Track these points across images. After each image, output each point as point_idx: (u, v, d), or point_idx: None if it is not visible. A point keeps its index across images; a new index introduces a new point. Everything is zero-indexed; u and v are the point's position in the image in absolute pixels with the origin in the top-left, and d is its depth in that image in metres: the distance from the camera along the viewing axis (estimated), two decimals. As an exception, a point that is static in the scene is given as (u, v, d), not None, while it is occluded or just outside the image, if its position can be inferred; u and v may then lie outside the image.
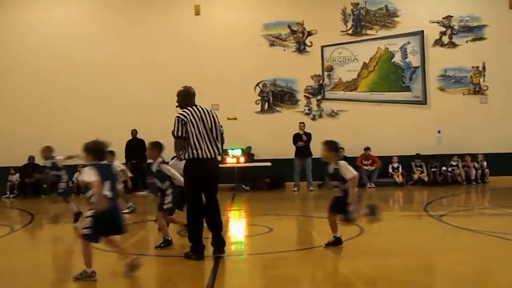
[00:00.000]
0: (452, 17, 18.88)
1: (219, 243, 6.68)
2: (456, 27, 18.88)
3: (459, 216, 10.26)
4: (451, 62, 18.67)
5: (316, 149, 16.46)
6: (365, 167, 17.11)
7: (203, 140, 6.55)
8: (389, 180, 17.27)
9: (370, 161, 17.25)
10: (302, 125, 16.80)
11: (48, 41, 18.26)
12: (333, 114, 18.33)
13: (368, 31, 18.72)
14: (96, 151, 5.62)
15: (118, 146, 15.95)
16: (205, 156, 6.53)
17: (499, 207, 11.74)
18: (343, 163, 6.82)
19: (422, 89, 18.55)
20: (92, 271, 5.51)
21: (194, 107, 6.68)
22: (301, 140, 16.42)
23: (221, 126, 6.88)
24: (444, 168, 17.36)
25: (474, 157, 17.67)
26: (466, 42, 18.84)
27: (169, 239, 7.28)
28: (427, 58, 18.64)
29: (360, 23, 18.70)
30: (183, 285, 5.58)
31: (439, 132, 17.86)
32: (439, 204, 12.48)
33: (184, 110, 6.63)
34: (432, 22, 18.81)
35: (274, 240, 8.09)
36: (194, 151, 6.51)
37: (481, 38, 18.88)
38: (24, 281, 5.74)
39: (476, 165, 17.66)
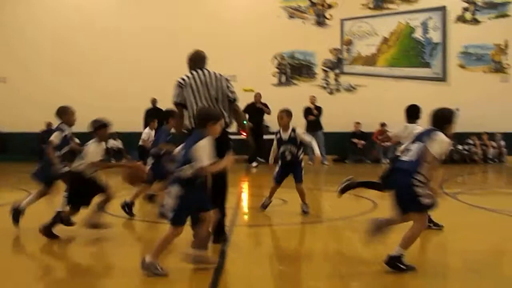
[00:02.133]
0: (475, -7, 18.53)
1: (220, 229, 5.73)
2: (479, 3, 18.52)
3: (475, 195, 10.22)
4: (472, 39, 18.36)
5: (328, 123, 16.52)
6: (381, 143, 17.02)
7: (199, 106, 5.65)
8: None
9: (386, 137, 17.14)
10: (313, 98, 16.69)
11: (71, 10, 18.40)
12: (350, 89, 18.21)
13: (389, 5, 18.44)
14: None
15: (138, 114, 16.18)
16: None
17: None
18: (299, 129, 7.72)
19: (442, 65, 18.31)
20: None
21: (199, 70, 5.83)
22: (312, 114, 16.35)
23: (232, 94, 5.88)
24: (460, 146, 17.23)
25: (492, 136, 17.50)
26: (489, 19, 18.49)
27: None
28: (448, 35, 18.35)
29: (381, -4, 18.45)
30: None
31: (457, 110, 17.65)
32: (455, 182, 12.44)
33: (187, 73, 5.85)
34: (455, -2, 18.49)
35: (287, 213, 8.13)
36: (192, 121, 5.68)
37: (505, 15, 18.52)
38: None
39: (494, 144, 17.50)
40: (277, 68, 18.29)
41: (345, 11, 18.30)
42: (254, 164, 15.26)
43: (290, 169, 7.72)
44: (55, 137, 6.64)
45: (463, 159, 17.00)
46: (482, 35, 18.37)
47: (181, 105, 5.80)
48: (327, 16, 18.37)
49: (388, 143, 16.98)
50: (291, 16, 18.39)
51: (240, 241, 6.19)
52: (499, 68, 18.40)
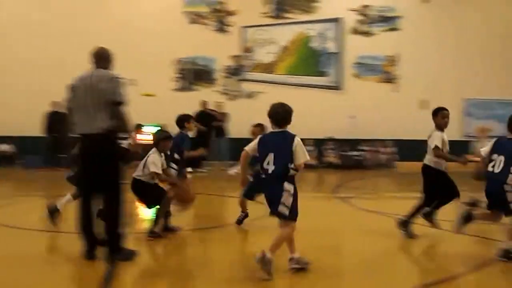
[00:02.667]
0: (369, 6, 19.40)
1: (110, 246, 5.41)
2: (372, 16, 19.44)
3: (366, 199, 10.68)
4: (366, 50, 19.26)
5: (232, 129, 16.66)
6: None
7: (79, 111, 5.38)
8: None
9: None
10: (219, 104, 16.82)
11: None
12: (250, 95, 18.46)
13: (289, 15, 18.91)
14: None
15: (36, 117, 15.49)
16: (80, 132, 5.43)
17: (404, 191, 12.32)
18: None
19: (337, 75, 19.03)
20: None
21: (89, 70, 5.51)
22: (217, 120, 16.45)
23: (117, 97, 5.33)
24: (355, 152, 17.99)
25: (383, 142, 18.41)
26: (382, 31, 19.47)
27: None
28: (344, 45, 19.11)
29: (281, 6, 18.84)
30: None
31: (352, 117, 18.37)
32: (348, 187, 12.94)
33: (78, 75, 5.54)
34: (350, 10, 19.26)
35: (185, 218, 8.10)
36: (73, 127, 5.48)
37: (395, 29, 19.56)
38: None
39: (385, 150, 18.41)
40: (178, 73, 18.19)
41: (246, 19, 18.56)
42: (189, 169, 15.28)
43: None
44: None
45: (356, 164, 17.72)
46: (375, 47, 19.30)
47: (70, 109, 5.61)
48: (228, 23, 18.53)
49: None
50: (193, 22, 18.37)
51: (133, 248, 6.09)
52: (390, 79, 19.40)
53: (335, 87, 18.98)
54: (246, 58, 18.57)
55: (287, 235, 5.06)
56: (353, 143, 18.19)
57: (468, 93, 19.84)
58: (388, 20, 19.51)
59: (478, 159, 9.29)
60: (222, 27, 18.47)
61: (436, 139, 6.65)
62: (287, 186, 4.99)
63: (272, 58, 18.75)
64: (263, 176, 5.13)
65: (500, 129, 20.20)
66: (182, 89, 18.18)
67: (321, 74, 18.96)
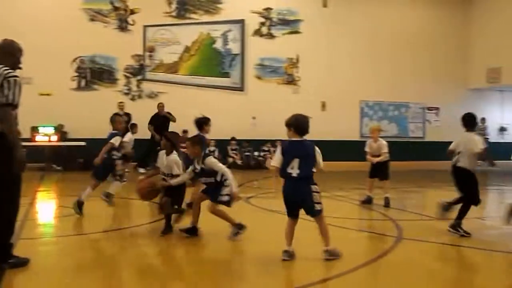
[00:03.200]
0: (271, 9, 19.77)
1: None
2: (274, 19, 19.82)
3: (267, 198, 10.84)
4: (268, 52, 19.61)
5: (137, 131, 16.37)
6: (183, 150, 17.27)
7: None
8: (205, 163, 17.68)
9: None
10: (121, 104, 16.49)
11: None
12: (152, 96, 18.21)
13: (192, 15, 18.85)
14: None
15: None
16: None
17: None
18: (209, 159, 6.70)
19: (240, 76, 19.23)
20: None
21: None
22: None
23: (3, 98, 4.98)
24: (256, 152, 18.26)
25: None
26: (283, 34, 19.89)
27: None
28: (246, 47, 19.34)
29: (184, 6, 18.75)
30: None
31: (254, 118, 18.64)
32: (250, 187, 13.10)
33: None
34: (253, 12, 19.52)
35: (83, 222, 7.88)
36: None
37: (297, 32, 20.06)
38: None
39: (285, 151, 18.82)
40: (77, 72, 17.59)
41: (148, 18, 18.28)
42: (142, 170, 15.52)
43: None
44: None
45: (259, 165, 17.99)
46: (276, 49, 19.70)
47: None
48: (130, 21, 18.17)
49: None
50: (92, 19, 17.82)
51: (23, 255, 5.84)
52: (291, 80, 19.87)
53: (238, 88, 19.17)
54: (148, 58, 18.29)
55: (325, 226, 5.83)
56: (256, 144, 18.46)
57: (364, 95, 20.76)
58: (289, 23, 19.97)
59: (377, 158, 9.80)
60: (123, 26, 18.08)
61: (480, 142, 7.23)
62: (314, 187, 5.69)
63: (175, 58, 18.59)
64: (288, 179, 5.65)
65: (392, 129, 21.34)
66: (82, 88, 17.58)
67: (224, 75, 19.08)
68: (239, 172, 16.09)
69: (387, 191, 9.85)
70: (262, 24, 19.67)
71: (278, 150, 5.83)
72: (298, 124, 5.84)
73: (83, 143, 16.31)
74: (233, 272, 5.50)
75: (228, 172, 6.68)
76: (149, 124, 16.55)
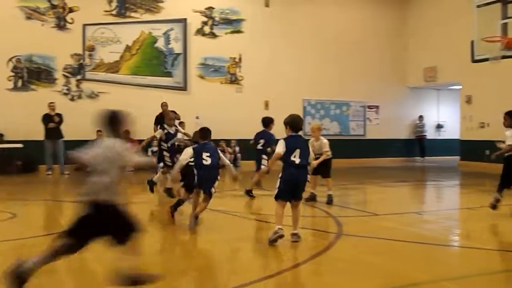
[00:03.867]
0: (214, 8, 19.73)
1: None
2: (217, 19, 19.78)
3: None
4: (211, 51, 19.57)
5: (69, 131, 16.05)
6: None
7: None
8: (148, 163, 17.46)
9: (130, 144, 17.21)
10: (52, 105, 16.06)
11: None
12: (93, 96, 17.83)
13: (133, 14, 18.57)
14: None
15: None
16: None
17: (244, 189, 12.71)
18: None
19: (183, 75, 19.10)
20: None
21: None
22: (52, 121, 15.75)
23: None
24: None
25: (228, 142, 18.84)
26: (226, 33, 19.89)
27: None
28: (189, 46, 19.23)
29: (124, 4, 18.44)
30: None
31: (197, 117, 18.54)
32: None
33: None
34: (195, 11, 19.43)
35: (15, 227, 7.63)
36: None
37: (239, 31, 20.10)
38: None
39: (230, 149, 18.86)
40: (13, 71, 17.01)
41: (88, 16, 17.88)
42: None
43: None
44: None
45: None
46: (219, 48, 19.67)
47: None
48: (69, 20, 17.72)
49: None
50: (29, 17, 17.27)
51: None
52: (234, 80, 19.89)
53: (181, 88, 19.03)
54: (88, 57, 17.90)
55: (299, 213, 6.72)
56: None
57: (307, 94, 21.03)
58: (232, 23, 19.99)
59: (317, 161, 9.92)
60: (61, 24, 17.61)
61: None
62: (309, 176, 6.70)
63: (116, 57, 18.27)
64: (291, 166, 6.46)
65: (333, 127, 21.70)
66: (18, 89, 17.00)
67: (167, 74, 18.90)
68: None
69: (330, 188, 10.00)
70: (205, 23, 19.61)
71: (282, 142, 6.56)
72: (295, 123, 6.76)
73: (20, 145, 15.80)
74: (172, 272, 5.46)
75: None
76: (154, 124, 15.97)
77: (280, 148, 6.53)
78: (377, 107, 22.60)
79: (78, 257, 5.72)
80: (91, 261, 5.52)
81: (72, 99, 17.53)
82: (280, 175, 6.54)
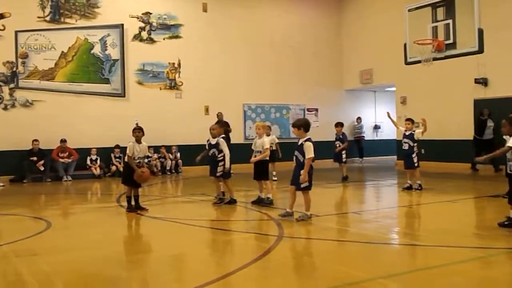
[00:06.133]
0: (151, 13, 19.57)
1: None
2: (154, 24, 19.62)
3: (151, 205, 10.69)
4: (149, 57, 19.39)
5: (2, 142, 15.58)
6: (62, 160, 16.67)
7: None
8: (87, 172, 17.14)
9: (67, 153, 16.85)
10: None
11: None
12: (27, 104, 17.30)
13: (67, 20, 18.17)
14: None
15: None
16: None
17: (188, 195, 12.65)
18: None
19: (121, 82, 18.84)
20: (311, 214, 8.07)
21: None
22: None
23: None
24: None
25: (169, 148, 18.69)
26: (164, 39, 19.76)
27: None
28: (126, 52, 18.99)
29: (58, 10, 18.03)
30: None
31: (137, 124, 18.25)
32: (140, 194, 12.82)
33: None
34: (132, 17, 19.22)
35: None
36: None
37: (177, 37, 20.00)
38: None
39: (171, 156, 18.71)
40: None
41: (20, 23, 17.35)
42: None
43: None
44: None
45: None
46: (157, 54, 19.53)
47: None
48: (0, 26, 17.16)
49: (68, 160, 16.72)
50: (-43, 24, 16.65)
51: None
52: (173, 85, 19.77)
53: (119, 95, 18.75)
54: (21, 65, 17.37)
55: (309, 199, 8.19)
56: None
57: (247, 98, 21.16)
58: (170, 28, 19.88)
59: (255, 158, 9.99)
60: (-8, 31, 17.04)
61: None
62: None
63: (51, 64, 17.81)
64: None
65: (274, 130, 21.95)
66: None
67: (104, 81, 18.58)
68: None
69: (269, 191, 10.13)
70: (142, 28, 19.42)
71: (312, 145, 7.97)
72: (307, 124, 8.20)
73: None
74: (117, 280, 5.37)
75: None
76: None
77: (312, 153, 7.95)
78: (316, 109, 22.96)
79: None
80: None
81: (5, 108, 16.95)
82: (308, 172, 7.85)
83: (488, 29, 15.68)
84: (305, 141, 8.07)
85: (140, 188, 9.92)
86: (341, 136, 14.37)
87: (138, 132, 9.72)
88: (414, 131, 12.16)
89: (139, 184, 9.77)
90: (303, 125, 8.13)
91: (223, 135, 10.77)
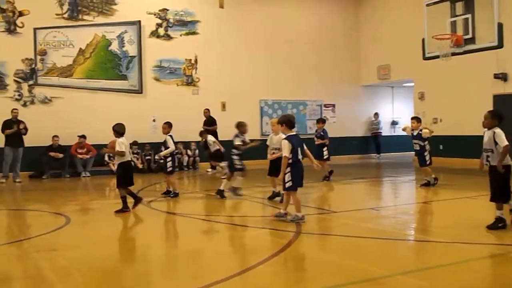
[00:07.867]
0: (168, 10, 19.60)
1: None
2: (171, 20, 19.67)
3: (167, 201, 10.76)
4: (166, 53, 19.43)
5: (29, 138, 15.71)
6: (80, 156, 16.81)
7: None
8: (105, 168, 17.24)
9: (85, 149, 16.98)
10: (15, 111, 15.76)
11: None
12: (46, 101, 17.45)
13: (85, 17, 18.27)
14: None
15: None
16: None
17: (203, 191, 12.71)
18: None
19: (138, 78, 18.91)
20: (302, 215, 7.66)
21: None
22: (14, 128, 15.43)
23: None
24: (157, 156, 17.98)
25: (187, 144, 18.72)
26: (180, 35, 19.79)
27: None
28: (143, 48, 19.05)
29: (76, 7, 18.13)
30: None
31: (154, 120, 18.39)
32: (151, 190, 12.94)
33: None
34: (149, 14, 19.26)
35: None
36: None
37: (194, 33, 20.03)
38: None
39: (189, 152, 18.76)
40: (-39, 78, 16.53)
41: (38, 20, 17.48)
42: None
43: None
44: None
45: (160, 167, 17.72)
46: (174, 50, 19.56)
47: None
48: (19, 24, 17.31)
49: (87, 156, 16.85)
50: (-24, 21, 16.84)
51: None
52: (190, 82, 19.81)
53: (136, 91, 18.84)
54: (40, 62, 17.52)
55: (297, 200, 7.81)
56: (157, 146, 18.17)
57: (263, 94, 21.13)
58: (187, 24, 19.90)
59: (273, 156, 9.97)
60: (11, 28, 17.18)
61: None
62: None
63: (69, 61, 17.94)
64: (298, 162, 7.60)
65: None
66: (-33, 95, 16.59)
67: (122, 77, 18.67)
68: (141, 176, 15.82)
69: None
70: (159, 25, 19.46)
71: (288, 143, 7.48)
72: (291, 122, 7.80)
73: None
74: (136, 275, 5.41)
75: None
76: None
77: (288, 151, 7.49)
78: (333, 105, 22.87)
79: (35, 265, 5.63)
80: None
81: (24, 105, 17.12)
82: (294, 172, 7.49)
83: (508, 24, 15.52)
84: (284, 139, 7.71)
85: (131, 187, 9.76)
86: (321, 133, 14.00)
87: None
88: (421, 130, 12.04)
89: (131, 183, 9.71)
90: (285, 122, 7.85)
91: (208, 132, 11.46)
